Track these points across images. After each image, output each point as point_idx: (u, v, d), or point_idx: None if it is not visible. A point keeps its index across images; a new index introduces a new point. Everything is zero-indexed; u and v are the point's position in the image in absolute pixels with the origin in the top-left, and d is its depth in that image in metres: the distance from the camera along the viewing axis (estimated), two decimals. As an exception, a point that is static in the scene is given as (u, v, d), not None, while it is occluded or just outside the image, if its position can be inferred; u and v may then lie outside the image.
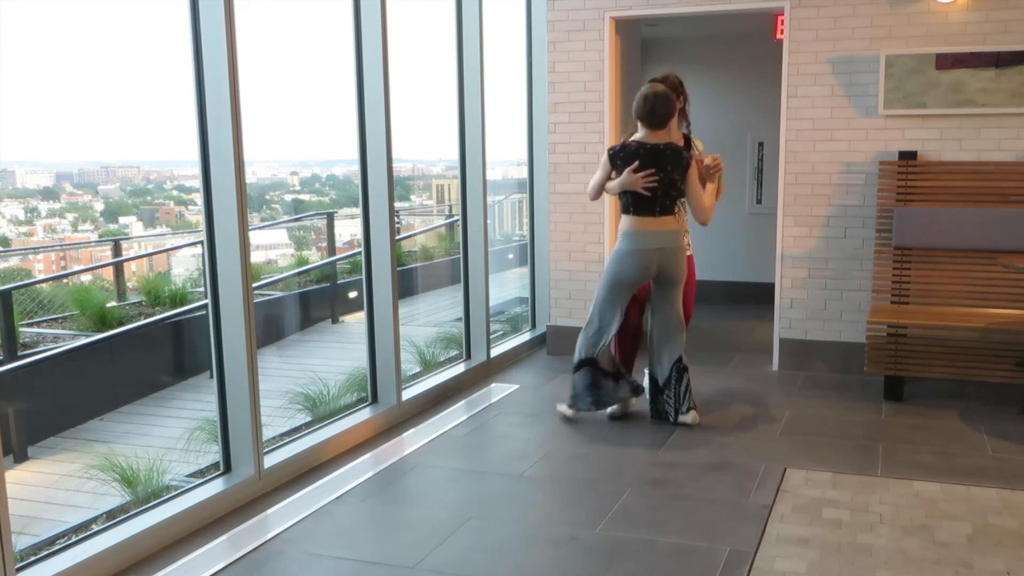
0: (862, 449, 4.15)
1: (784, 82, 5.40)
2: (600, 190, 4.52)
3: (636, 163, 4.28)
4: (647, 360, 4.67)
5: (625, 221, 4.41)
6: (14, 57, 4.09)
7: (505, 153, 6.89)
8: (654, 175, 4.28)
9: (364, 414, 4.54)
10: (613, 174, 4.42)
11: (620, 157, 4.38)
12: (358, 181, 4.54)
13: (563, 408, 4.66)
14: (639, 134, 4.38)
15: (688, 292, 4.68)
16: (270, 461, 3.77)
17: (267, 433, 3.98)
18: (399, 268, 4.77)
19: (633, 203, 4.37)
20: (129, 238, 6.42)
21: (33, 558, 2.94)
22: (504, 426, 4.62)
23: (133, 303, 6.46)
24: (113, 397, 5.48)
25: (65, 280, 6.34)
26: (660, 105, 4.30)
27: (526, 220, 6.58)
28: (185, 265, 6.96)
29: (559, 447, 4.25)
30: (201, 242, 3.66)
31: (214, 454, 3.97)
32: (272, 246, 7.87)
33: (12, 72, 4.07)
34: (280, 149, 6.58)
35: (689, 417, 4.51)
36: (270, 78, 5.23)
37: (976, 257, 4.99)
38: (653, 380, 4.60)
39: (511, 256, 8.02)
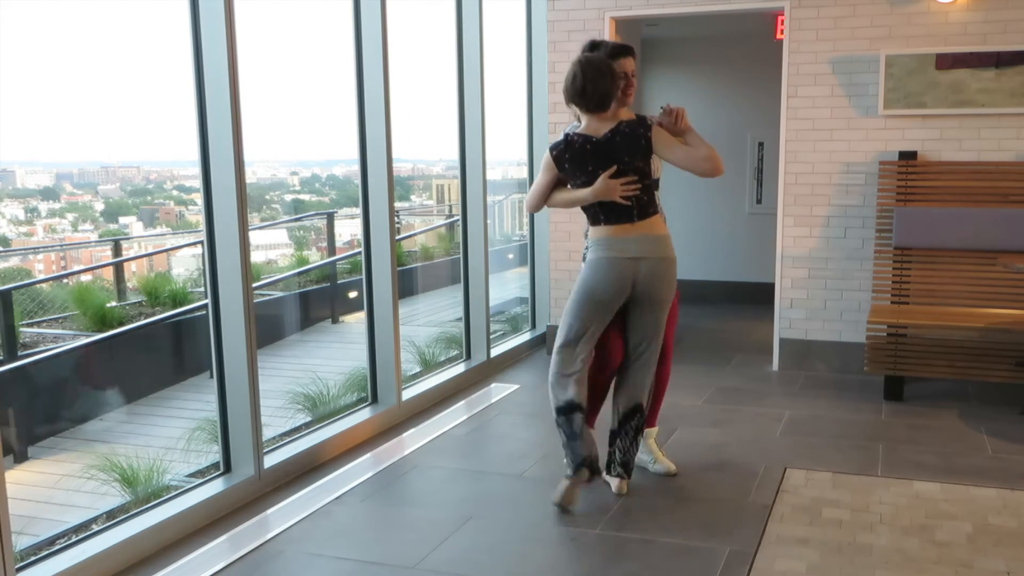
0: (862, 449, 4.15)
1: (784, 82, 5.40)
2: (544, 199, 3.57)
3: (614, 168, 3.39)
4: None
5: (595, 231, 3.52)
6: (14, 57, 4.09)
7: (505, 153, 6.90)
8: (634, 181, 3.41)
9: (364, 414, 4.54)
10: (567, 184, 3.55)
11: (567, 159, 3.45)
12: (358, 181, 4.54)
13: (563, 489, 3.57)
14: (581, 123, 3.48)
15: (668, 323, 3.70)
16: (270, 461, 3.77)
17: (267, 433, 3.98)
18: (399, 268, 4.77)
19: (604, 213, 3.47)
20: (129, 238, 6.42)
21: (33, 558, 2.94)
22: (504, 426, 4.62)
23: (133, 303, 6.46)
24: (113, 397, 5.48)
25: (65, 280, 6.34)
26: (595, 81, 3.35)
27: (526, 220, 6.58)
28: (185, 265, 6.96)
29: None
30: (201, 242, 3.66)
31: (214, 454, 3.97)
32: (272, 246, 7.87)
33: (12, 72, 4.07)
34: (280, 149, 6.58)
35: (614, 484, 3.67)
36: (270, 78, 5.23)
37: (976, 257, 4.99)
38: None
39: (511, 256, 8.02)
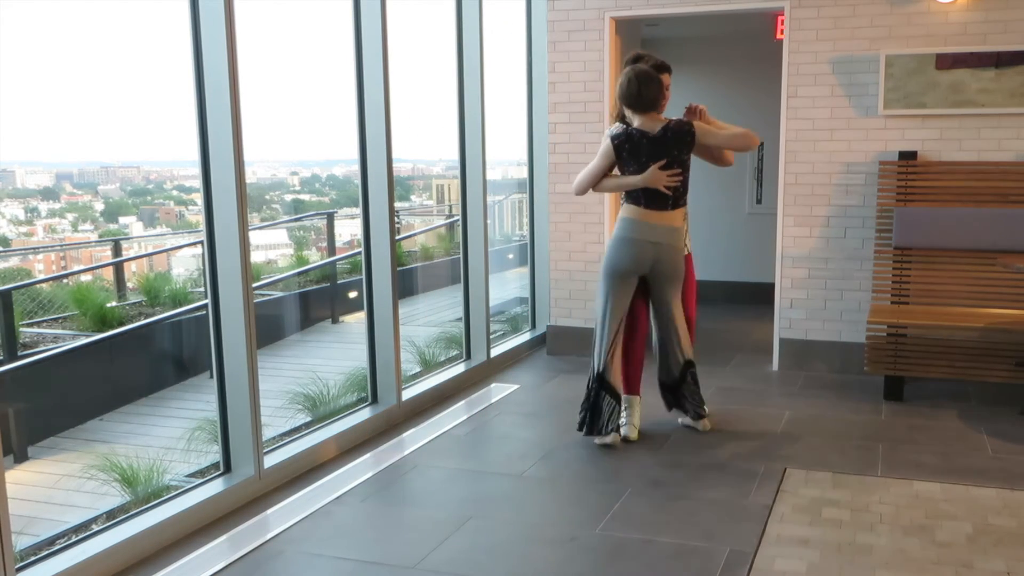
0: (862, 449, 4.15)
1: (784, 82, 5.40)
2: (595, 183, 4.20)
3: (664, 160, 4.00)
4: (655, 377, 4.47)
5: (628, 209, 4.13)
6: (14, 57, 4.09)
7: (505, 153, 6.90)
8: (679, 173, 4.04)
9: (364, 414, 4.54)
10: (616, 168, 4.14)
11: (626, 148, 4.08)
12: (358, 181, 4.54)
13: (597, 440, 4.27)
14: (635, 121, 4.10)
15: (688, 293, 4.44)
16: (270, 461, 3.77)
17: (267, 433, 3.98)
18: (399, 268, 4.77)
19: (645, 197, 4.08)
20: (129, 238, 6.42)
21: (33, 558, 2.94)
22: (504, 426, 4.62)
23: (133, 303, 6.46)
24: (113, 397, 5.48)
25: (65, 280, 6.34)
26: (647, 86, 4.01)
27: (526, 220, 6.58)
28: (185, 265, 6.96)
29: (559, 447, 4.25)
30: (201, 242, 3.66)
31: (214, 454, 3.97)
32: (272, 246, 7.88)
33: (12, 72, 4.07)
34: (280, 149, 6.58)
35: (699, 424, 4.41)
36: (270, 78, 5.24)
37: (976, 257, 4.99)
38: (663, 385, 4.43)
39: (511, 256, 8.03)
